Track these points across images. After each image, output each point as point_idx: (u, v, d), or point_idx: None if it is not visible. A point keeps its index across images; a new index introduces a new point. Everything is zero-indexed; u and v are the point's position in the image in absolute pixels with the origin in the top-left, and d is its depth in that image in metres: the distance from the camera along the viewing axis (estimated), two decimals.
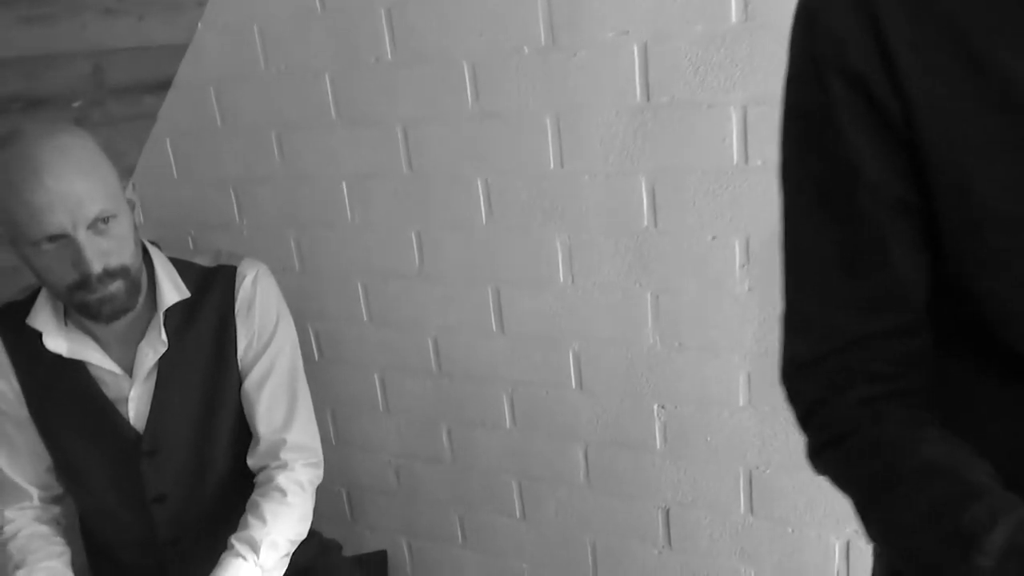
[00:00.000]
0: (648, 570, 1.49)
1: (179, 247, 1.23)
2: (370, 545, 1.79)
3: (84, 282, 1.02)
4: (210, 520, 1.23)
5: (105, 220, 1.02)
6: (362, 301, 1.62)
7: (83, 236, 0.99)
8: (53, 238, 0.99)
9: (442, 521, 1.71)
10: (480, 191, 1.42)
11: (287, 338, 1.26)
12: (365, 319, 1.63)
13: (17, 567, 1.11)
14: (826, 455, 0.58)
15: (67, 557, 1.18)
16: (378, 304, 1.60)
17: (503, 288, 1.47)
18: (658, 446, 1.41)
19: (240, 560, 1.09)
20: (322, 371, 1.69)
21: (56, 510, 1.25)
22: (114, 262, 1.04)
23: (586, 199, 1.33)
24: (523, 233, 1.41)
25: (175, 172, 1.72)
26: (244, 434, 1.24)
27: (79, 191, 0.98)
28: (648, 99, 1.23)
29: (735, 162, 1.21)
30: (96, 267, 1.01)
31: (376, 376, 1.67)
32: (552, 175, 1.35)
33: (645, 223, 1.30)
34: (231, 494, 1.24)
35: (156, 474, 1.18)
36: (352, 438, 1.74)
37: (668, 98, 1.22)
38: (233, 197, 1.68)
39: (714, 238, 1.26)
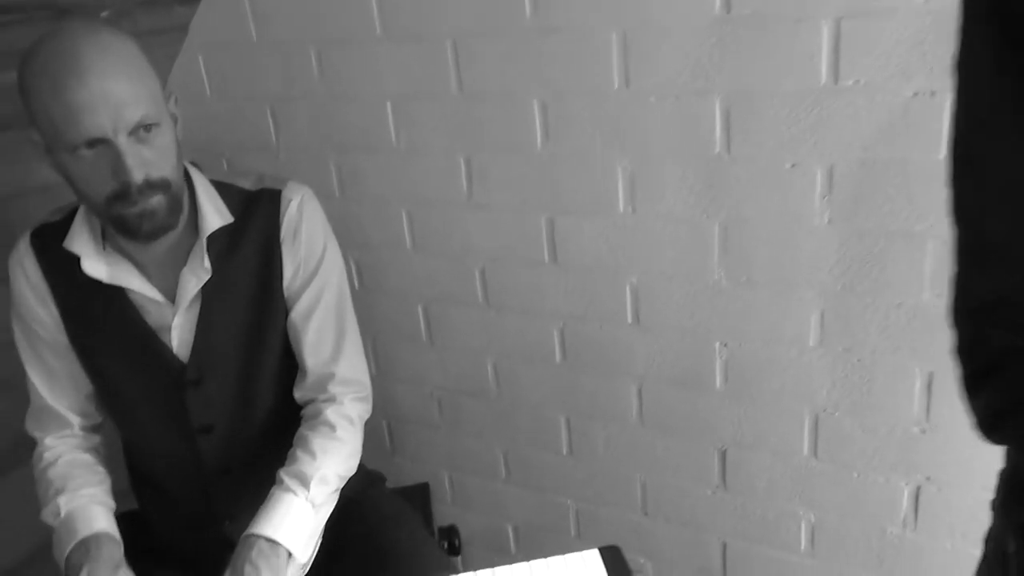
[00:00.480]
0: (701, 509, 1.46)
1: (213, 170, 1.16)
2: (409, 477, 1.77)
3: (123, 193, 0.95)
4: (257, 451, 1.19)
5: (147, 128, 0.95)
6: (406, 229, 1.55)
7: (124, 142, 0.93)
8: (92, 143, 0.93)
9: (485, 455, 1.67)
10: (536, 113, 1.33)
11: (334, 267, 1.19)
12: (409, 248, 1.56)
13: (58, 493, 1.08)
14: (1018, 419, 0.49)
15: (108, 484, 1.15)
16: (423, 232, 1.53)
17: (557, 217, 1.39)
18: (718, 385, 1.35)
19: (291, 495, 1.05)
20: (362, 301, 1.63)
21: (96, 439, 1.21)
22: (155, 173, 0.97)
23: (652, 122, 1.24)
24: (581, 158, 1.32)
25: (208, 89, 1.63)
26: (290, 365, 1.19)
27: (122, 93, 0.91)
28: (728, 10, 1.13)
29: (823, 82, 1.10)
30: (137, 176, 0.94)
31: (420, 307, 1.61)
32: (616, 96, 1.25)
33: (717, 149, 1.21)
34: (278, 425, 1.20)
35: (202, 404, 1.14)
36: (393, 370, 1.69)
37: (750, 10, 1.11)
38: (269, 117, 1.59)
39: (793, 166, 1.16)
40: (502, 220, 1.44)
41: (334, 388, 1.16)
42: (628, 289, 1.37)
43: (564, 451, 1.57)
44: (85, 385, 1.16)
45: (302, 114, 1.56)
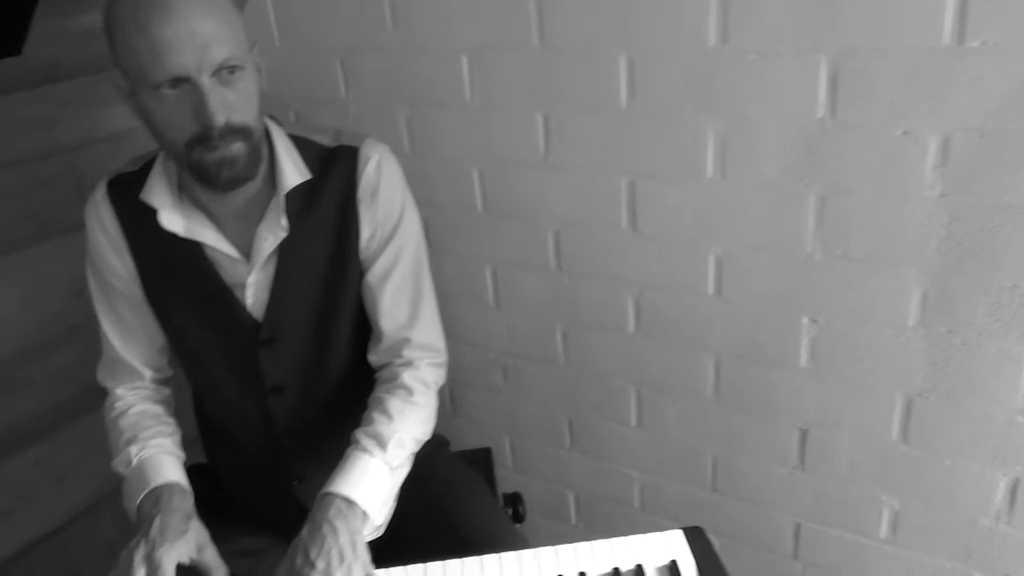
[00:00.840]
0: (774, 489, 1.41)
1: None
2: (470, 441, 1.75)
3: (204, 136, 0.93)
4: (328, 413, 1.17)
5: (231, 69, 0.92)
6: (477, 189, 1.50)
7: (207, 82, 0.90)
8: (176, 82, 0.90)
9: (549, 423, 1.64)
10: (622, 70, 1.26)
11: (412, 229, 1.15)
12: (479, 208, 1.51)
13: (129, 442, 1.07)
14: None
15: (178, 436, 1.14)
16: (495, 193, 1.48)
17: (639, 181, 1.32)
18: (802, 363, 1.29)
19: (367, 456, 1.02)
20: (429, 261, 1.59)
21: (167, 392, 1.21)
22: (237, 118, 0.94)
23: (749, 82, 1.16)
24: (669, 120, 1.25)
25: (276, 39, 1.59)
26: (364, 328, 1.16)
27: (207, 31, 0.89)
28: None
29: (945, 42, 1.02)
30: (219, 118, 0.92)
31: (488, 270, 1.57)
32: (710, 53, 1.17)
33: (820, 113, 1.13)
34: (350, 388, 1.17)
35: (274, 364, 1.12)
36: (457, 332, 1.66)
37: None
38: (339, 69, 1.55)
39: (905, 133, 1.08)
40: (579, 182, 1.38)
41: (410, 353, 1.13)
42: (712, 259, 1.31)
43: (632, 422, 1.53)
44: (158, 338, 1.15)
45: (373, 66, 1.51)
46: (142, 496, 1.01)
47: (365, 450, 1.03)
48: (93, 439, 1.61)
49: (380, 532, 1.04)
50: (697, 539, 0.97)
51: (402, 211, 1.12)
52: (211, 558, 0.95)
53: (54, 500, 1.58)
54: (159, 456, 1.07)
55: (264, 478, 1.19)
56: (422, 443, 1.12)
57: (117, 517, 1.69)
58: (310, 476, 1.17)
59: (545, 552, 0.96)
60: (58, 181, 1.49)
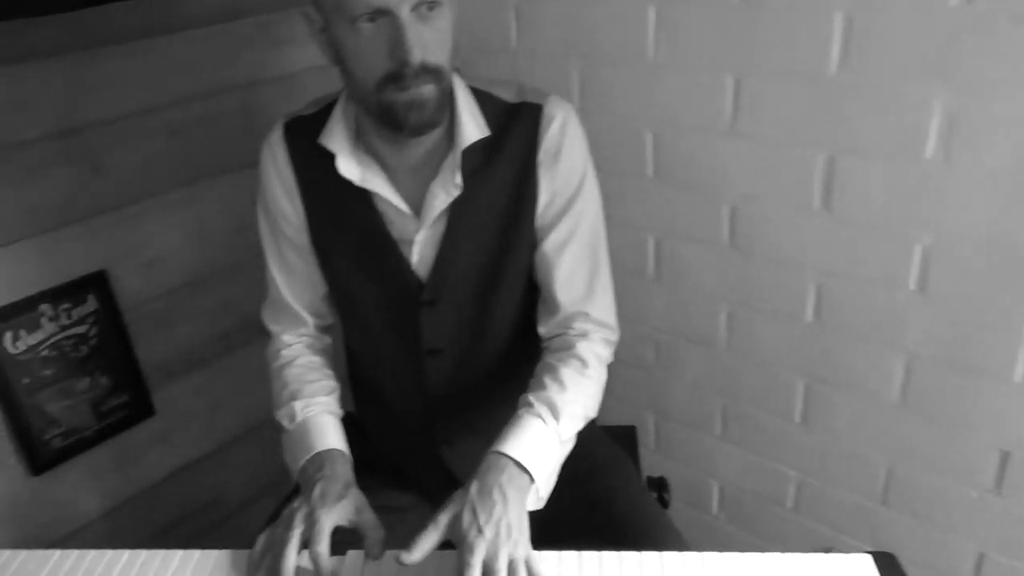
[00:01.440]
0: (959, 512, 1.26)
1: None
2: (612, 416, 1.68)
3: (398, 74, 0.89)
4: (483, 380, 1.13)
5: (431, 5, 0.87)
6: (649, 153, 1.40)
7: (407, 16, 0.86)
8: (374, 15, 0.86)
9: (700, 407, 1.55)
10: (836, 29, 1.12)
11: (593, 196, 1.07)
12: (649, 174, 1.41)
13: (293, 397, 1.07)
14: None
15: (337, 393, 1.13)
16: (669, 159, 1.38)
17: (839, 157, 1.18)
18: (1017, 377, 1.13)
19: (539, 422, 0.96)
20: None
21: (328, 340, 1.20)
22: (431, 58, 0.90)
23: (994, 48, 1.00)
24: (887, 88, 1.10)
25: None
26: (528, 296, 1.11)
27: None
28: None
29: None
30: (415, 56, 0.87)
31: (651, 240, 1.47)
32: (952, 13, 1.02)
33: None
34: (508, 357, 1.13)
35: (434, 326, 1.08)
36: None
37: None
38: (513, 17, 1.47)
39: None
40: (768, 154, 1.25)
41: (586, 326, 1.07)
42: (918, 250, 1.16)
43: (796, 418, 1.41)
44: (322, 287, 1.14)
45: (549, 14, 1.42)
46: (306, 459, 1.00)
47: (538, 416, 0.97)
48: (246, 373, 1.67)
49: (540, 505, 0.99)
50: (889, 568, 0.86)
51: (583, 177, 1.05)
52: (369, 520, 0.92)
53: (207, 427, 1.64)
54: (322, 417, 1.06)
55: (412, 439, 1.17)
56: (589, 419, 1.05)
57: (260, 450, 1.76)
58: (458, 441, 1.14)
59: (711, 559, 0.88)
60: (229, 119, 1.51)
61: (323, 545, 0.86)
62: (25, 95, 1.24)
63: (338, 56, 0.93)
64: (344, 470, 0.99)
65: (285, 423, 1.06)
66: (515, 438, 0.94)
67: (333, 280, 1.12)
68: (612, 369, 1.64)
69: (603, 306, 1.08)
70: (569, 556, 0.89)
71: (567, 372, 1.01)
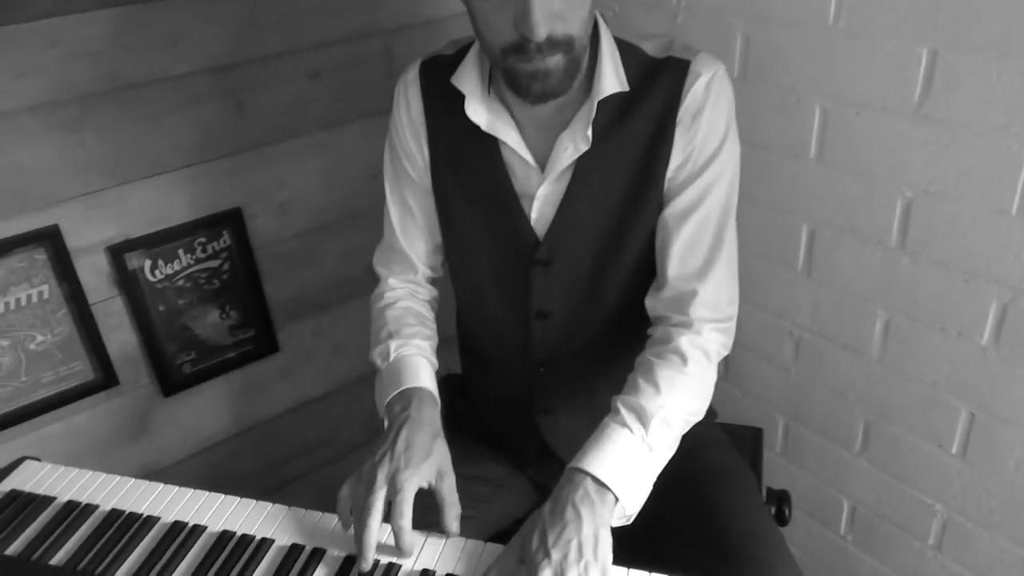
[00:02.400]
0: None
1: None
2: (737, 411, 1.56)
3: (522, 46, 0.83)
4: (590, 350, 1.05)
5: None
6: (815, 131, 1.23)
7: None
8: None
9: (840, 419, 1.39)
10: None
11: (728, 165, 0.96)
12: (811, 155, 1.25)
13: (390, 336, 1.04)
14: None
15: (435, 343, 1.10)
16: (838, 139, 1.21)
17: None
18: None
19: (626, 432, 0.88)
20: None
21: (434, 292, 1.16)
22: (560, 30, 0.82)
23: None
24: None
25: None
26: (648, 267, 1.01)
27: None
28: None
29: None
30: (540, 32, 0.80)
31: (804, 229, 1.31)
32: None
33: None
34: (619, 329, 1.04)
35: (545, 288, 1.01)
36: (751, 292, 1.44)
37: None
38: None
39: None
40: (961, 142, 1.06)
41: (694, 311, 0.96)
42: None
43: (954, 449, 1.23)
44: (436, 235, 1.10)
45: None
46: (393, 395, 0.97)
47: (624, 424, 0.88)
48: (365, 321, 1.68)
49: (629, 521, 0.91)
50: None
51: (722, 142, 0.94)
52: (448, 489, 0.88)
53: (327, 368, 1.67)
54: (416, 358, 1.03)
55: (511, 404, 1.12)
56: (692, 423, 0.96)
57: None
58: (557, 413, 1.09)
59: None
60: (371, 63, 1.48)
61: (406, 519, 0.83)
62: (180, 30, 1.25)
63: (470, 14, 0.88)
64: (431, 414, 0.95)
65: (378, 362, 1.04)
66: (596, 451, 0.86)
67: (448, 229, 1.07)
68: (743, 363, 1.52)
69: (719, 287, 0.97)
70: None
71: (663, 372, 0.92)
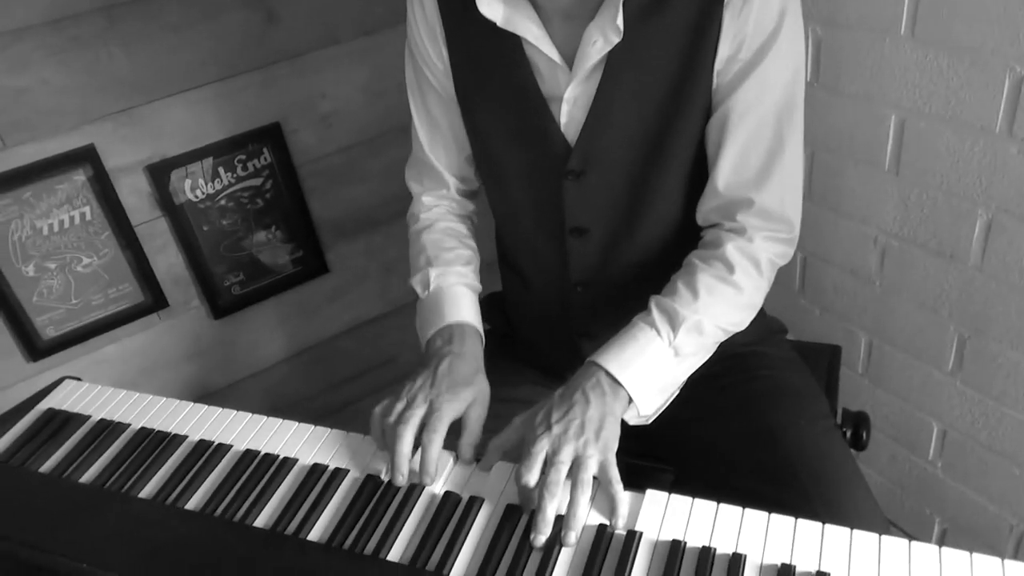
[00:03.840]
0: None
1: None
2: (813, 328, 1.43)
3: None
4: (632, 270, 0.96)
5: None
6: (907, 3, 1.06)
7: None
8: None
9: (930, 335, 1.25)
10: None
11: (790, 55, 0.82)
12: (902, 32, 1.08)
13: (429, 263, 0.98)
14: None
15: (477, 264, 1.03)
16: (934, 12, 1.04)
17: None
18: None
19: (652, 333, 0.82)
20: (809, 98, 1.22)
21: (472, 207, 1.09)
22: None
23: None
24: None
25: None
26: (699, 174, 0.89)
27: None
28: None
29: None
30: None
31: (893, 119, 1.15)
32: None
33: None
34: (664, 246, 0.94)
35: (580, 201, 0.92)
36: (829, 194, 1.30)
37: None
38: None
39: None
40: None
41: (747, 219, 0.86)
42: None
43: None
44: (466, 146, 1.01)
45: None
46: (435, 331, 0.93)
47: (652, 325, 0.83)
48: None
49: (647, 421, 0.85)
50: None
51: (780, 26, 0.80)
52: (475, 417, 0.83)
53: (381, 288, 1.63)
54: (458, 288, 0.97)
55: (550, 326, 1.05)
56: (731, 333, 0.88)
57: None
58: (599, 335, 0.98)
59: (921, 552, 0.66)
60: None
61: (438, 435, 0.78)
62: None
63: None
64: (474, 349, 0.91)
65: (419, 290, 0.98)
66: (617, 349, 0.82)
67: (476, 138, 0.98)
68: (821, 277, 1.38)
69: (778, 195, 0.85)
70: (680, 503, 0.72)
71: (704, 277, 0.84)
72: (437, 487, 0.77)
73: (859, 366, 1.40)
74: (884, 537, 0.67)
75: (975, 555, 0.64)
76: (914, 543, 0.66)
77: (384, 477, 0.78)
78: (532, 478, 0.73)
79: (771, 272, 0.89)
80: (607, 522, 0.71)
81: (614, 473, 0.73)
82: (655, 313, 0.83)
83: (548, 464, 0.73)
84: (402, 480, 0.77)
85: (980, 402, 1.21)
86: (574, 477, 0.72)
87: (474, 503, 0.74)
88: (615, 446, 0.76)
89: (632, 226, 0.92)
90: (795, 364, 1.05)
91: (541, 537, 0.69)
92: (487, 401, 0.87)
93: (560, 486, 0.71)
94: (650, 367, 0.81)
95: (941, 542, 1.41)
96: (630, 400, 0.80)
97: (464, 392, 0.84)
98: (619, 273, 0.96)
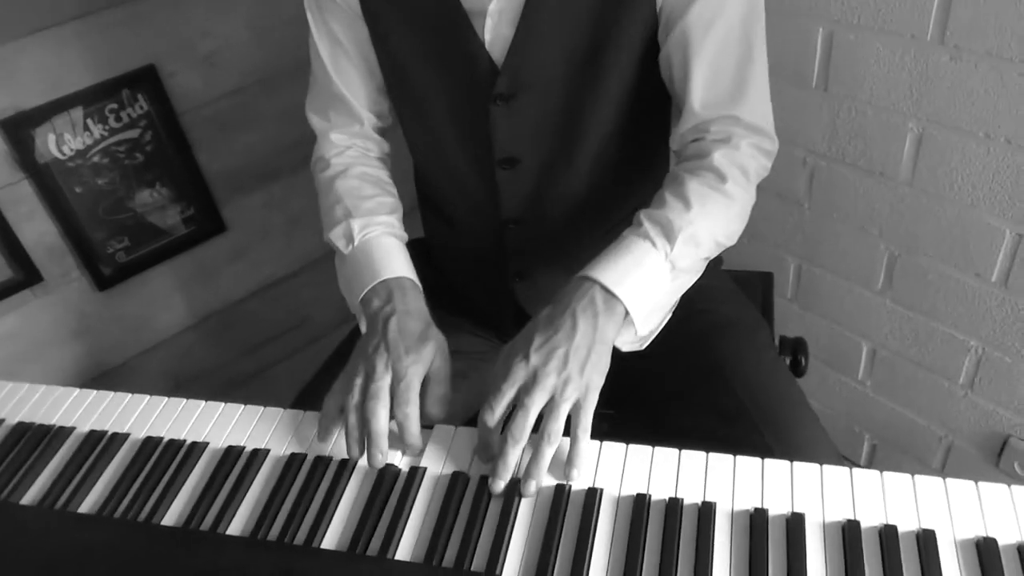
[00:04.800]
0: None
1: None
2: (744, 255, 1.41)
3: None
4: (570, 204, 0.88)
5: None
6: None
7: None
8: None
9: (861, 255, 1.24)
10: None
11: None
12: None
13: (349, 214, 0.86)
14: None
15: (400, 212, 0.92)
16: None
17: None
18: None
19: (647, 244, 0.73)
20: None
21: (387, 147, 0.97)
22: None
23: None
24: None
25: None
26: (640, 97, 0.82)
27: None
28: None
29: None
30: None
31: (820, 32, 1.11)
32: None
33: None
34: (605, 179, 0.87)
35: (508, 129, 0.83)
36: None
37: None
38: None
39: None
40: None
41: (731, 128, 0.79)
42: None
43: (994, 276, 1.08)
44: (376, 71, 0.89)
45: None
46: (367, 289, 0.81)
47: (645, 236, 0.74)
48: None
49: (642, 346, 0.79)
50: None
51: None
52: (436, 371, 0.75)
53: (286, 245, 1.51)
54: (386, 239, 0.85)
55: (481, 270, 0.96)
56: (724, 247, 0.80)
57: None
58: (534, 276, 0.93)
59: (895, 481, 0.62)
60: None
61: (413, 406, 0.70)
62: None
63: None
64: (418, 304, 0.80)
65: (340, 245, 0.86)
66: (610, 261, 0.72)
67: (388, 62, 0.87)
68: None
69: (757, 108, 0.79)
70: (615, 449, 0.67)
71: (696, 186, 0.76)
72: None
73: (788, 291, 1.39)
74: (855, 470, 0.64)
75: (949, 480, 0.61)
76: (886, 473, 0.62)
77: (330, 454, 0.70)
78: (493, 418, 0.65)
79: (754, 185, 0.82)
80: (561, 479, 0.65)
81: (586, 421, 0.66)
82: (647, 225, 0.74)
83: (517, 403, 0.65)
84: (382, 460, 0.68)
85: (911, 319, 1.22)
86: (544, 425, 0.64)
87: (416, 472, 0.67)
88: (599, 383, 0.68)
89: (568, 154, 0.84)
90: (735, 295, 1.01)
91: (500, 483, 0.63)
92: (447, 352, 0.78)
93: (526, 433, 0.64)
94: (647, 281, 0.73)
95: (871, 458, 1.44)
96: (625, 317, 0.72)
97: (424, 349, 0.75)
98: (555, 208, 0.88)
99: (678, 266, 0.74)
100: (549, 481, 0.64)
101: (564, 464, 0.65)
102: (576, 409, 0.66)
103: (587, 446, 0.65)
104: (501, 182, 0.86)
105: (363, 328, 0.79)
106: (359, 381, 0.72)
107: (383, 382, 0.71)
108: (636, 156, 0.85)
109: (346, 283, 0.85)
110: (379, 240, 0.85)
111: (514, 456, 0.64)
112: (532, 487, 0.63)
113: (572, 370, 0.66)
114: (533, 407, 0.65)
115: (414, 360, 0.73)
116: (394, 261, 0.83)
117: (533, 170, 0.86)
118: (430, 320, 0.79)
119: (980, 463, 1.24)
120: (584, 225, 0.81)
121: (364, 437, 0.69)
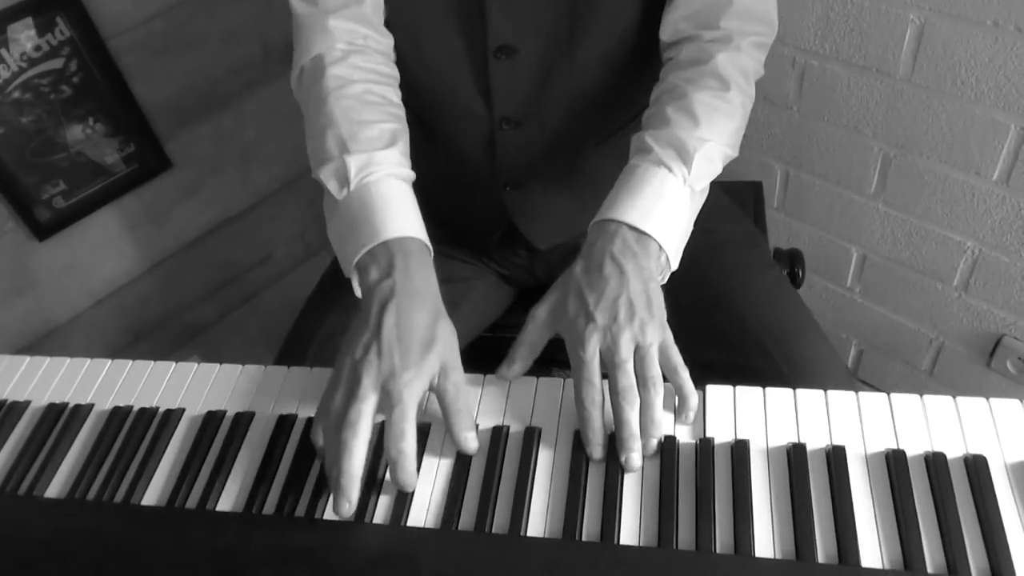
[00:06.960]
0: None
1: None
2: (728, 165, 1.34)
3: None
4: (569, 105, 0.79)
5: None
6: None
7: None
8: None
9: (852, 158, 1.18)
10: None
11: None
12: None
13: (345, 147, 0.68)
14: None
15: (407, 139, 0.74)
16: None
17: None
18: None
19: (663, 171, 0.66)
20: None
21: (390, 41, 0.78)
22: None
23: None
24: None
25: None
26: None
27: None
28: None
29: None
30: None
31: None
32: None
33: None
34: (613, 73, 0.78)
35: (506, 11, 0.73)
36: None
37: None
38: None
39: None
40: None
41: (729, 22, 0.71)
42: None
43: (995, 174, 1.04)
44: None
45: None
46: (366, 251, 0.65)
47: (660, 163, 0.67)
48: (276, 115, 1.38)
49: (664, 280, 0.71)
50: None
51: None
52: (453, 390, 0.60)
53: (241, 178, 1.40)
54: (390, 183, 0.68)
55: (467, 177, 0.86)
56: (730, 159, 0.73)
57: (306, 202, 1.53)
58: (526, 185, 0.85)
59: (904, 403, 0.59)
60: None
61: (408, 442, 0.56)
62: None
63: None
64: (426, 277, 0.65)
65: (332, 187, 0.68)
66: (630, 197, 0.66)
67: None
68: None
69: None
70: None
71: (701, 98, 0.69)
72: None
73: (775, 200, 1.34)
74: (893, 396, 0.60)
75: (959, 399, 0.58)
76: (894, 395, 0.59)
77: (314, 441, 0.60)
78: (596, 392, 0.59)
79: (753, 85, 0.75)
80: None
81: (677, 357, 0.61)
82: (658, 149, 0.67)
83: (609, 365, 0.59)
84: (349, 509, 0.55)
85: (903, 222, 1.18)
86: (641, 375, 0.59)
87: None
88: (665, 318, 0.63)
89: (572, 44, 0.74)
90: (731, 210, 0.96)
91: (635, 456, 0.57)
92: (459, 359, 0.63)
93: (635, 390, 0.58)
94: (672, 210, 0.67)
95: (858, 363, 1.43)
96: (659, 250, 0.66)
97: (427, 360, 0.60)
98: (555, 106, 0.79)
99: (696, 188, 0.68)
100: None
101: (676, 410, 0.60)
102: (664, 348, 0.61)
103: (691, 382, 0.60)
104: (495, 75, 0.76)
105: (358, 293, 0.66)
106: (338, 399, 0.59)
107: (366, 405, 0.57)
108: (649, 56, 0.76)
109: (339, 237, 0.69)
110: (381, 185, 0.68)
111: (635, 419, 0.57)
112: (653, 444, 0.58)
113: (642, 314, 0.61)
114: (628, 363, 0.59)
115: (412, 377, 0.59)
116: (400, 213, 0.67)
117: (532, 62, 0.76)
118: (440, 305, 0.65)
119: (970, 363, 1.23)
120: (585, 129, 0.72)
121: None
